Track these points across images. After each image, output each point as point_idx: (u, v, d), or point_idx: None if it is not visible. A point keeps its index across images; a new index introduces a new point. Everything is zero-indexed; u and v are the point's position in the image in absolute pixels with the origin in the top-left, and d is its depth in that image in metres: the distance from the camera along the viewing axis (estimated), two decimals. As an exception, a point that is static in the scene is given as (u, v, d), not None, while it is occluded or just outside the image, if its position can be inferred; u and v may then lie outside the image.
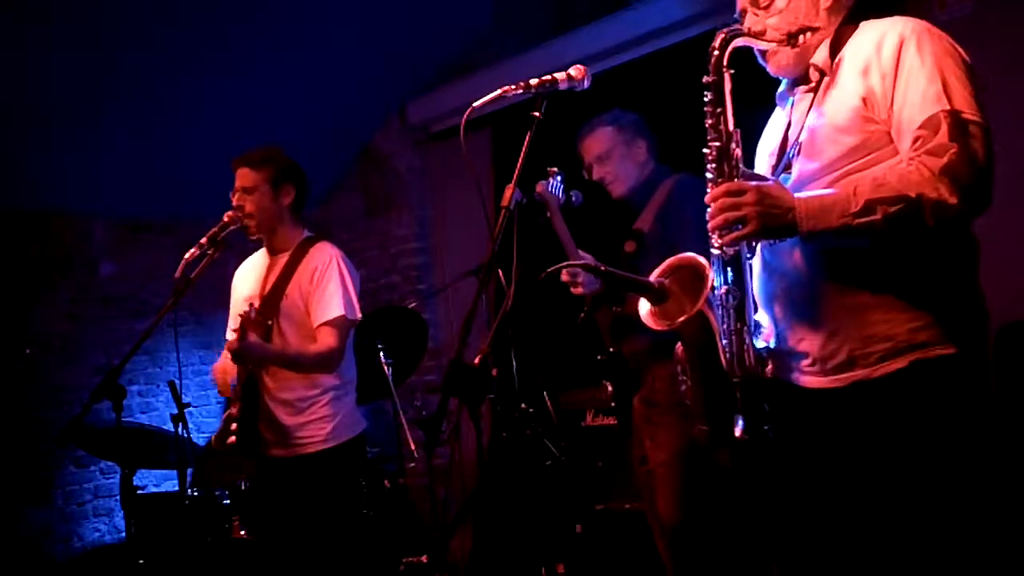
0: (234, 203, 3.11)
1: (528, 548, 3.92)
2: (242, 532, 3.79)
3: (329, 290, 3.04)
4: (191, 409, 3.49)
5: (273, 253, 3.21)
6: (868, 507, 1.73)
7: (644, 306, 1.83)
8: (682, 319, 1.75)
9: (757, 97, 1.99)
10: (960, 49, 1.74)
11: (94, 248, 5.39)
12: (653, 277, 1.83)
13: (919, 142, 1.65)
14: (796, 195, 1.70)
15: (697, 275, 1.77)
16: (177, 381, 3.41)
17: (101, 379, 2.98)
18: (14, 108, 4.32)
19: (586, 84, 2.06)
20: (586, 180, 3.07)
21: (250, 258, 3.32)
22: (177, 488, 3.81)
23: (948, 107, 1.64)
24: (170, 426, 3.41)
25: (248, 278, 3.25)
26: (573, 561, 3.78)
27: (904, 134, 1.69)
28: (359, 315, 3.11)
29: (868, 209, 1.62)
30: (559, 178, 2.84)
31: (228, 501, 3.89)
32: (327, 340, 3.02)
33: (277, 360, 3.03)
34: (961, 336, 1.69)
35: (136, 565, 3.51)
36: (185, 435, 3.33)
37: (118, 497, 3.73)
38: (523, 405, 3.60)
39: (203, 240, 3.05)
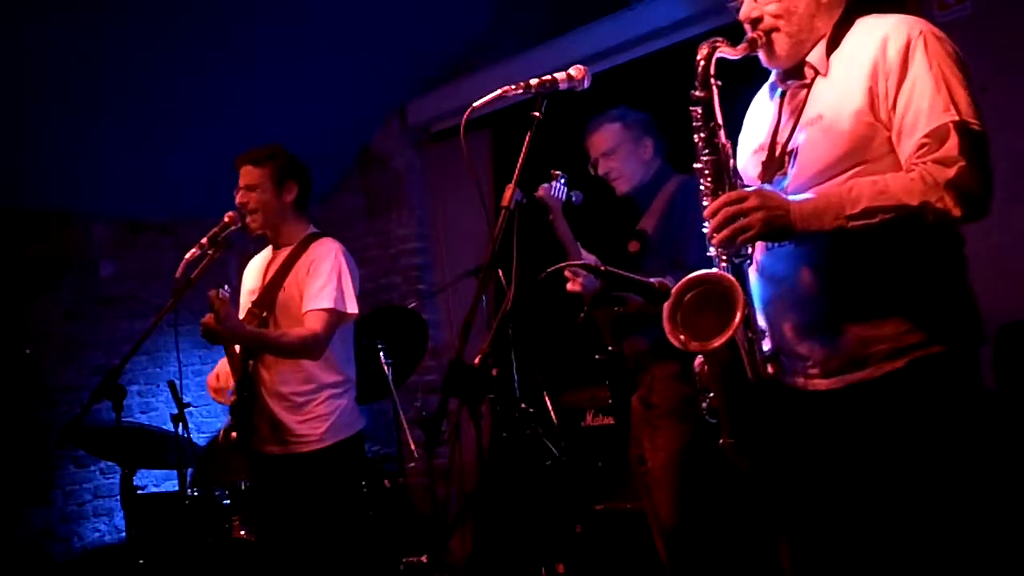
0: (237, 201, 3.11)
1: (528, 548, 3.92)
2: (242, 532, 3.79)
3: (321, 281, 3.03)
4: (191, 409, 3.49)
5: (276, 248, 3.23)
6: (873, 505, 1.73)
7: (668, 326, 1.79)
8: (716, 344, 1.71)
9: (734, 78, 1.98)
10: (959, 51, 1.74)
11: (94, 248, 5.39)
12: (679, 284, 1.82)
13: (924, 149, 1.66)
14: (790, 199, 1.72)
15: (724, 296, 1.74)
16: (177, 381, 3.41)
17: (101, 379, 2.97)
18: (14, 108, 4.32)
19: (586, 84, 2.06)
20: (590, 177, 3.06)
21: (258, 255, 3.33)
22: (177, 488, 3.81)
23: (956, 117, 1.65)
24: (170, 426, 3.41)
25: (252, 273, 3.27)
26: (573, 561, 3.78)
27: (906, 137, 1.70)
28: (353, 309, 3.07)
29: (867, 214, 1.64)
30: (562, 180, 2.83)
31: (228, 501, 3.89)
32: (311, 325, 2.99)
33: (254, 339, 2.99)
34: (951, 335, 1.71)
35: (136, 565, 3.51)
36: (185, 435, 3.33)
37: (118, 497, 3.73)
38: (523, 405, 3.61)
39: (203, 240, 3.05)
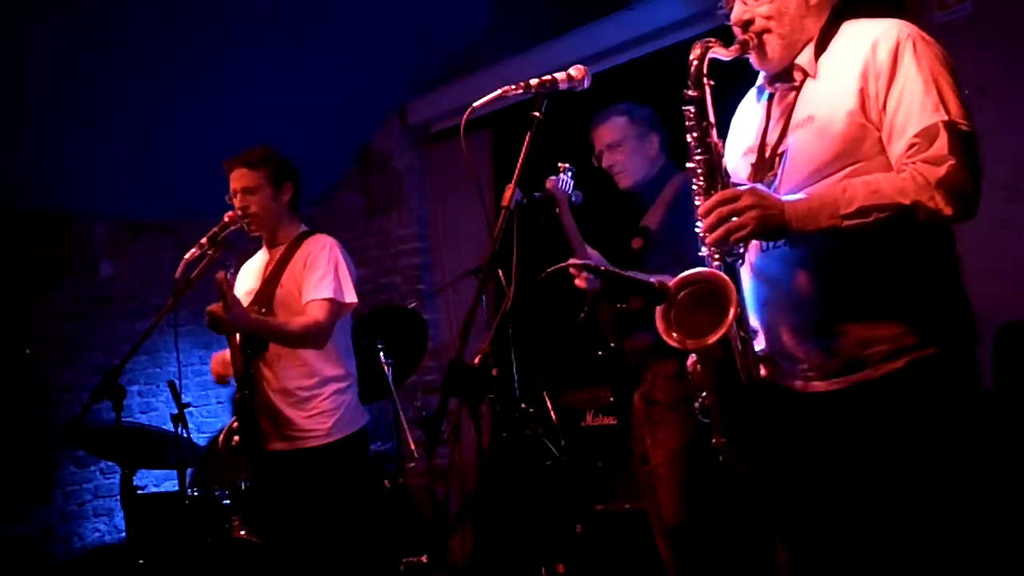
0: (237, 205, 3.12)
1: (528, 548, 3.92)
2: (242, 532, 3.79)
3: (319, 272, 3.07)
4: (191, 409, 3.50)
5: (271, 247, 3.25)
6: (870, 506, 1.73)
7: (662, 325, 1.80)
8: (710, 340, 1.72)
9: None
10: (947, 55, 1.76)
11: (94, 248, 5.39)
12: (672, 283, 1.81)
13: (914, 149, 1.67)
14: (783, 198, 1.73)
15: (716, 295, 1.74)
16: (177, 381, 3.42)
17: (101, 379, 2.98)
18: (14, 107, 4.32)
19: (586, 84, 2.06)
20: (594, 174, 3.06)
21: (252, 258, 3.35)
22: (177, 488, 3.81)
23: (946, 117, 1.66)
24: (170, 426, 3.42)
25: (249, 275, 3.28)
26: (573, 561, 3.78)
27: (897, 138, 1.71)
28: (351, 299, 3.11)
29: (861, 213, 1.64)
30: (569, 173, 2.82)
31: (228, 501, 3.89)
32: (314, 314, 3.02)
33: (258, 327, 2.99)
34: (944, 336, 1.72)
35: (136, 565, 3.51)
36: (185, 435, 3.34)
37: (118, 497, 3.73)
38: (523, 405, 3.61)
39: (203, 240, 3.06)
